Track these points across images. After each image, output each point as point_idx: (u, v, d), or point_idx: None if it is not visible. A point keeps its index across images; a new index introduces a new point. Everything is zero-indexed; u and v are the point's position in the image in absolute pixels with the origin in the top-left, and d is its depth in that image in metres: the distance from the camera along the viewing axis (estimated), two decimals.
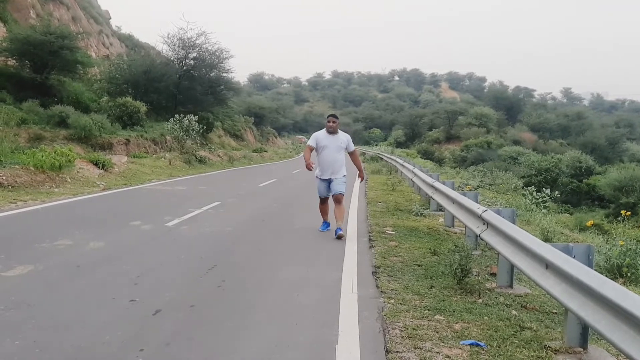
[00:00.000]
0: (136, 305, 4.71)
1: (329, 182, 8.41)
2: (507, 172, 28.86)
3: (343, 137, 8.47)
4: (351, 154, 8.72)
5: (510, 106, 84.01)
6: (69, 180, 14.17)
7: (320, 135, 8.51)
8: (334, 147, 8.32)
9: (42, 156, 13.76)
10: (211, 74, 35.88)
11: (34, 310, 4.44)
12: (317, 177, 8.55)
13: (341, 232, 8.02)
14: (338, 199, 8.31)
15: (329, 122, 8.39)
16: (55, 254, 6.51)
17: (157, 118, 30.28)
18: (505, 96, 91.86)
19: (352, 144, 8.64)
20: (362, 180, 8.88)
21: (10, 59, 22.66)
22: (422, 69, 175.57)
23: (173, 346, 3.83)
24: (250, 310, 4.67)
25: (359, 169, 9.04)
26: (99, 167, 16.67)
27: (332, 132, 8.37)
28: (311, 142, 8.55)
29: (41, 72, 22.80)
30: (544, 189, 15.52)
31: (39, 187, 12.73)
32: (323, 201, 8.69)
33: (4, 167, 12.77)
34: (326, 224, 8.71)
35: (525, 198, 15.62)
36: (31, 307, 4.53)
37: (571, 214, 25.17)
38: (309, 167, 8.23)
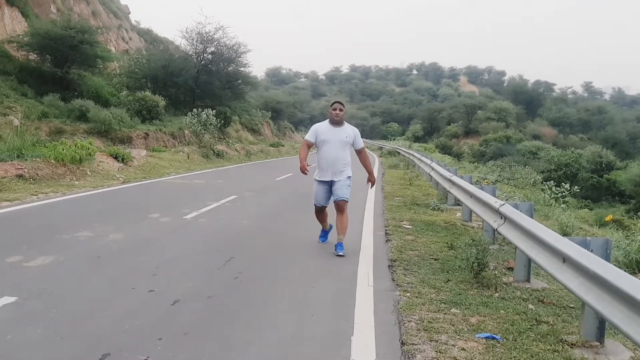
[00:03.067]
0: (155, 295, 4.79)
1: (329, 185, 6.77)
2: (526, 166, 28.58)
3: (349, 130, 6.80)
4: (359, 153, 7.00)
5: (530, 100, 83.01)
6: (89, 173, 14.36)
7: (321, 127, 6.90)
8: (336, 141, 6.66)
9: (63, 149, 13.95)
10: (229, 69, 35.96)
11: (55, 300, 4.54)
12: (315, 179, 6.91)
13: (342, 252, 6.52)
14: (340, 207, 6.70)
15: (333, 109, 6.72)
16: (76, 245, 6.62)
17: (175, 112, 30.48)
18: (525, 90, 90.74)
19: (361, 140, 6.99)
20: (372, 186, 7.19)
21: (31, 53, 22.95)
22: (440, 62, 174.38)
23: (191, 336, 3.89)
24: (266, 302, 4.72)
25: (369, 171, 7.07)
26: (118, 161, 16.85)
27: (336, 122, 6.74)
28: (309, 135, 6.89)
29: (62, 66, 23.06)
30: (563, 183, 15.34)
31: (59, 179, 12.91)
32: (318, 210, 7.05)
33: (26, 160, 12.98)
34: (325, 233, 7.28)
35: (544, 193, 15.47)
36: (52, 296, 4.62)
37: (591, 209, 24.90)
38: (303, 170, 6.62)
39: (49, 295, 4.65)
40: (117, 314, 4.26)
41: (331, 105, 6.82)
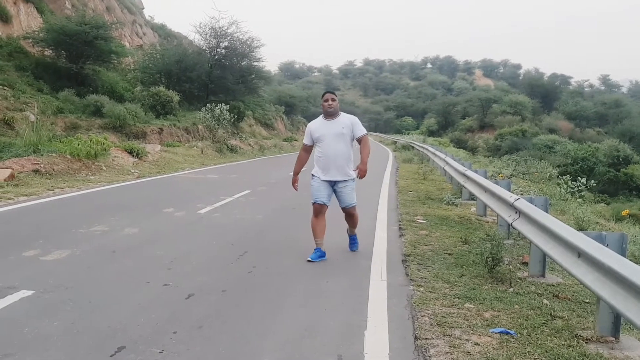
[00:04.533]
0: (169, 289, 4.82)
1: (332, 185, 6.09)
2: (542, 161, 28.33)
3: (344, 120, 6.04)
4: (359, 141, 6.15)
5: (545, 94, 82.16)
6: (104, 168, 14.48)
7: (315, 123, 6.22)
8: (332, 135, 5.97)
9: (79, 144, 14.09)
10: (242, 63, 36.06)
11: (72, 293, 4.59)
12: (313, 175, 6.15)
13: (356, 248, 6.44)
14: (350, 213, 6.26)
15: (325, 100, 6.00)
16: (92, 239, 6.69)
17: (189, 107, 30.63)
18: (541, 83, 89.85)
19: (362, 128, 6.16)
20: (360, 177, 6.10)
21: (47, 49, 23.17)
22: (455, 56, 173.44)
23: (205, 329, 3.91)
24: (280, 296, 4.74)
25: (362, 159, 6.04)
26: (133, 156, 16.98)
27: (330, 114, 6.02)
28: (305, 138, 6.28)
29: (77, 62, 23.26)
30: (579, 178, 15.19)
31: (75, 174, 13.04)
32: (318, 211, 6.10)
33: (42, 155, 13.13)
34: (318, 252, 6.05)
35: (560, 187, 15.33)
36: (69, 290, 4.68)
37: (608, 203, 24.63)
38: (294, 185, 6.22)
39: (65, 288, 4.70)
40: (132, 308, 4.30)
41: (322, 97, 6.11)
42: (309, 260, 5.88)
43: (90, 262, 5.65)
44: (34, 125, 15.90)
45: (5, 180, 10.76)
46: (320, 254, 6.00)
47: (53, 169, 12.60)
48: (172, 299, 4.56)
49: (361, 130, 6.10)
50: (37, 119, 17.39)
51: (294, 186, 6.19)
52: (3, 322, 3.91)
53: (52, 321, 3.94)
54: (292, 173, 6.21)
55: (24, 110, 18.11)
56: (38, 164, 12.42)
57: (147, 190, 12.28)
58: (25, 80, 20.59)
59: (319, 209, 6.07)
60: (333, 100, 5.99)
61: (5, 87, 18.80)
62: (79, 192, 10.90)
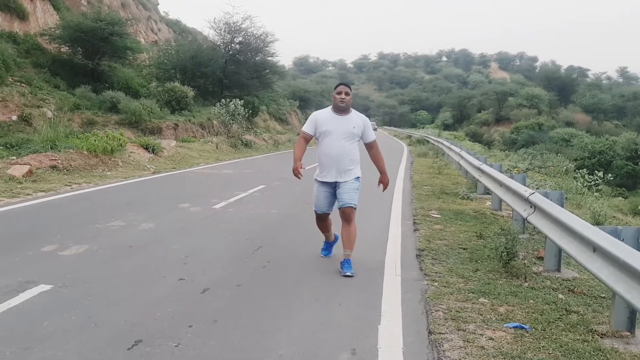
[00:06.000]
0: (185, 283, 4.88)
1: (333, 187, 5.49)
2: (559, 154, 28.06)
3: (357, 119, 5.50)
4: (369, 148, 5.63)
5: (562, 86, 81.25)
6: (121, 164, 14.61)
7: (323, 115, 5.57)
8: (341, 132, 5.38)
9: (95, 140, 14.22)
10: (256, 58, 36.10)
11: (89, 288, 4.66)
12: (315, 179, 5.65)
13: (350, 272, 5.24)
14: (347, 215, 5.39)
15: (338, 93, 5.43)
16: (109, 234, 6.77)
17: (204, 103, 30.76)
18: (558, 76, 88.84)
19: (372, 132, 5.62)
20: (384, 189, 5.77)
21: (63, 46, 23.40)
22: (470, 49, 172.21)
23: (220, 323, 3.95)
24: (294, 290, 4.76)
25: (381, 170, 5.69)
26: (149, 151, 17.10)
27: (342, 109, 5.44)
28: (307, 126, 5.57)
29: (92, 58, 23.47)
30: (596, 171, 15.04)
31: (92, 170, 13.18)
32: (319, 219, 5.74)
33: (59, 151, 13.28)
34: (329, 246, 5.98)
35: (577, 181, 15.19)
36: (86, 284, 4.75)
37: (626, 197, 24.32)
38: (296, 173, 5.39)
39: (83, 283, 4.78)
40: (149, 302, 4.35)
41: (335, 89, 5.52)
42: (322, 256, 5.87)
43: (107, 257, 5.72)
44: (51, 122, 16.08)
45: (23, 176, 10.91)
46: (330, 244, 6.01)
47: (70, 165, 12.74)
48: (187, 294, 4.61)
49: (372, 135, 5.59)
50: (54, 116, 17.60)
51: (296, 174, 5.38)
52: (23, 316, 3.99)
53: (71, 315, 4.01)
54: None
55: (42, 107, 18.35)
56: (55, 160, 12.57)
57: (163, 185, 12.38)
58: (42, 77, 20.84)
59: (320, 217, 5.71)
60: (347, 94, 5.41)
61: (23, 84, 19.04)
62: (96, 188, 11.02)
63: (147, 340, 3.59)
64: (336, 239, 5.90)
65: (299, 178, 5.41)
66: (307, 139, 5.55)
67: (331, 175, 5.43)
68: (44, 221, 7.65)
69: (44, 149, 13.33)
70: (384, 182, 5.71)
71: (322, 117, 5.52)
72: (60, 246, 6.03)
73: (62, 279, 4.84)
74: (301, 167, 5.39)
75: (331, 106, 5.56)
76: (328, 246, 6.01)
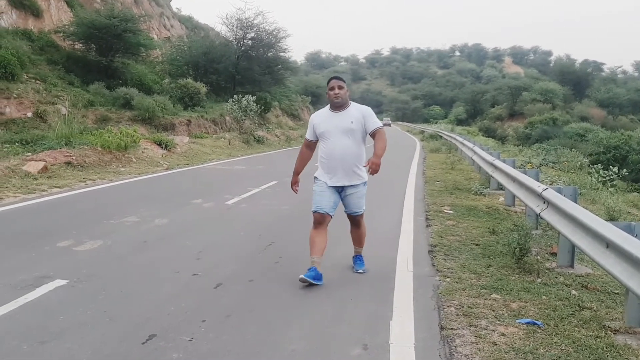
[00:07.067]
0: (198, 278, 4.92)
1: (339, 191, 5.05)
2: (573, 149, 27.81)
3: (355, 113, 4.97)
4: (373, 135, 5.00)
5: (577, 81, 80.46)
6: (135, 160, 14.72)
7: (319, 115, 5.19)
8: (340, 130, 4.92)
9: (109, 137, 14.35)
10: (269, 54, 36.12)
11: (104, 283, 4.72)
12: (316, 178, 5.13)
13: (362, 269, 5.23)
14: (357, 221, 5.24)
15: (330, 89, 4.93)
16: (123, 229, 6.84)
17: (216, 99, 30.87)
18: (572, 70, 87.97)
19: (376, 120, 5.04)
20: (372, 173, 4.74)
21: (77, 43, 23.58)
22: (484, 43, 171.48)
23: (233, 318, 3.99)
24: (306, 286, 4.78)
25: (376, 153, 4.77)
26: (162, 147, 17.22)
27: (338, 105, 4.97)
28: (308, 132, 5.23)
29: (106, 55, 23.63)
30: (611, 167, 14.89)
31: (106, 166, 13.30)
32: (318, 222, 5.01)
33: (74, 147, 13.42)
34: (313, 272, 4.79)
35: (591, 176, 15.06)
36: (101, 279, 4.81)
37: None
38: (292, 187, 5.29)
39: (98, 278, 4.84)
40: (163, 297, 4.40)
41: (327, 84, 5.00)
42: (301, 279, 4.73)
43: (121, 252, 5.78)
44: (66, 118, 16.27)
45: (38, 172, 11.04)
46: (315, 275, 4.77)
47: (85, 161, 12.87)
48: (201, 289, 4.65)
49: (375, 123, 5.00)
50: (68, 112, 17.79)
51: (293, 188, 5.25)
52: (39, 310, 4.05)
53: (86, 310, 4.07)
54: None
55: (56, 104, 18.53)
56: (70, 156, 12.70)
57: (176, 181, 12.46)
58: (56, 73, 21.03)
59: (320, 220, 4.99)
60: (340, 87, 4.90)
61: (38, 81, 19.23)
62: (110, 184, 11.12)
63: (161, 335, 3.64)
64: (319, 277, 4.82)
65: (295, 192, 5.26)
66: (310, 145, 5.22)
67: (338, 177, 4.98)
68: (59, 217, 7.74)
69: (59, 146, 13.48)
70: (373, 162, 4.67)
71: (318, 118, 5.13)
72: (76, 242, 6.10)
73: (77, 274, 4.90)
74: (297, 185, 5.24)
75: (328, 105, 5.13)
76: (315, 275, 4.79)
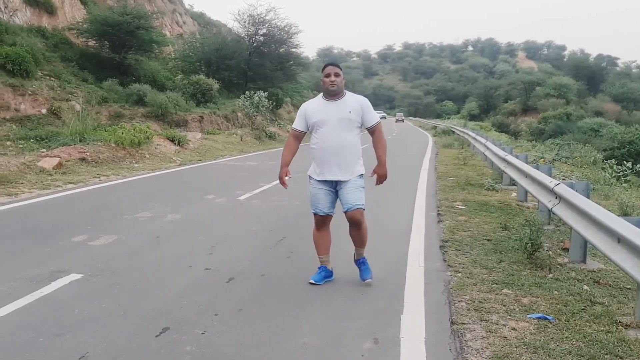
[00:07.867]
0: (211, 273, 4.97)
1: (334, 186, 4.71)
2: (587, 145, 27.58)
3: (352, 102, 4.60)
4: (372, 132, 4.72)
5: (591, 76, 79.73)
6: (148, 156, 14.83)
7: (312, 104, 4.78)
8: (336, 120, 4.54)
9: (123, 133, 14.46)
10: (280, 50, 36.13)
11: (118, 277, 4.78)
12: (310, 176, 4.87)
13: (369, 277, 4.75)
14: (356, 220, 4.67)
15: (327, 75, 4.54)
16: (137, 225, 6.91)
17: (228, 95, 30.95)
18: (587, 65, 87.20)
19: (375, 114, 4.72)
20: (378, 183, 4.89)
21: (90, 40, 23.73)
22: (497, 38, 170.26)
23: (245, 311, 4.03)
24: None
25: (379, 159, 4.76)
26: (175, 144, 17.32)
27: (333, 94, 4.58)
28: (297, 121, 4.80)
29: (119, 52, 23.77)
30: (625, 162, 14.76)
31: (120, 162, 13.41)
32: (320, 223, 4.84)
33: (88, 143, 13.55)
34: (324, 271, 4.79)
35: (605, 172, 14.94)
36: (115, 274, 4.87)
37: None
38: (281, 181, 4.85)
39: (112, 272, 4.90)
40: (176, 291, 4.45)
41: (322, 71, 4.62)
42: (311, 283, 4.67)
43: (135, 247, 5.85)
44: (80, 115, 16.41)
45: (53, 168, 11.17)
46: (326, 274, 4.76)
47: (99, 157, 12.99)
48: (213, 283, 4.70)
49: (374, 118, 4.68)
50: (82, 109, 17.94)
51: (282, 182, 4.85)
52: (55, 304, 4.12)
53: (100, 303, 4.13)
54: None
55: (70, 100, 18.69)
56: (84, 152, 12.83)
57: (189, 177, 12.54)
58: (70, 70, 21.20)
59: (320, 221, 4.81)
60: (337, 75, 4.52)
61: (52, 78, 19.41)
62: (124, 180, 11.23)
63: (174, 328, 3.69)
64: (330, 274, 4.84)
65: (284, 186, 4.84)
66: (298, 136, 4.80)
67: (332, 172, 4.62)
68: (74, 212, 7.83)
69: (73, 142, 13.61)
70: (378, 173, 4.76)
71: (312, 107, 4.71)
72: (90, 236, 6.18)
73: (92, 269, 4.97)
74: (287, 175, 4.82)
75: (321, 93, 4.74)
76: (323, 272, 4.80)
